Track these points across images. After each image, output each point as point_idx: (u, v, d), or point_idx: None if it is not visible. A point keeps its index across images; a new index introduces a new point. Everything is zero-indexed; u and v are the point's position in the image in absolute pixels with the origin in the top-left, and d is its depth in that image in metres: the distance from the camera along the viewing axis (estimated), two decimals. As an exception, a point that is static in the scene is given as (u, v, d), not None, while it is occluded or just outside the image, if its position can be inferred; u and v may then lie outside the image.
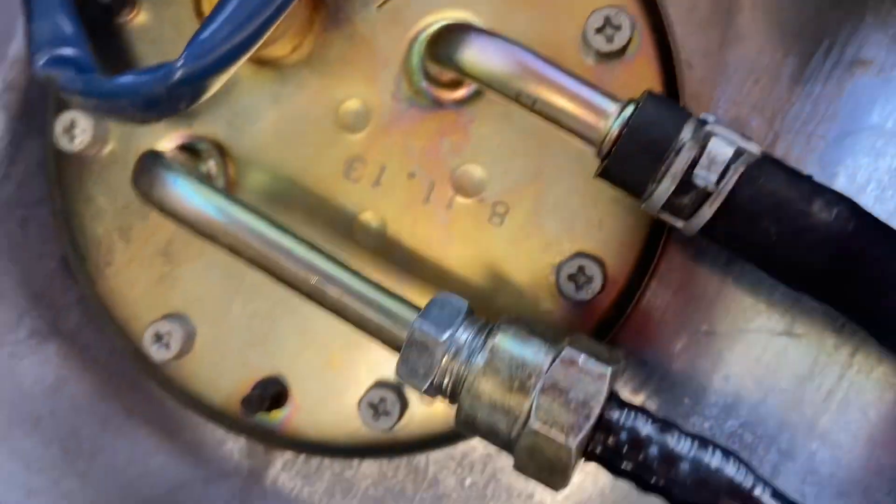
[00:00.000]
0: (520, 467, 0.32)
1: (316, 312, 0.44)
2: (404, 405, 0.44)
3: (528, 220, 0.43)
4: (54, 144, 0.45)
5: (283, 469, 0.48)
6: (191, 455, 0.49)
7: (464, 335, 0.34)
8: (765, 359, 0.42)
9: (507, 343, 0.33)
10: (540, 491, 0.46)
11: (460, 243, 0.43)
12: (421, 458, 0.47)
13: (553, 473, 0.31)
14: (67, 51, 0.35)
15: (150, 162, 0.38)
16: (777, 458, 0.41)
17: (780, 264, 0.33)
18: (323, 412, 0.45)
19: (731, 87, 0.43)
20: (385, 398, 0.43)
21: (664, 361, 0.44)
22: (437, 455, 0.47)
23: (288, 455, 0.48)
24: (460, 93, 0.43)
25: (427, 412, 0.44)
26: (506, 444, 0.33)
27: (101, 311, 0.47)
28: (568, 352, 0.32)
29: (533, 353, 0.32)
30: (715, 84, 0.44)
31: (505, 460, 0.47)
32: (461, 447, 0.47)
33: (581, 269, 0.41)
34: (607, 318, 0.43)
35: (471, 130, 0.43)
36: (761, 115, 0.43)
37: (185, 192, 0.37)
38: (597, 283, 0.41)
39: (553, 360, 0.32)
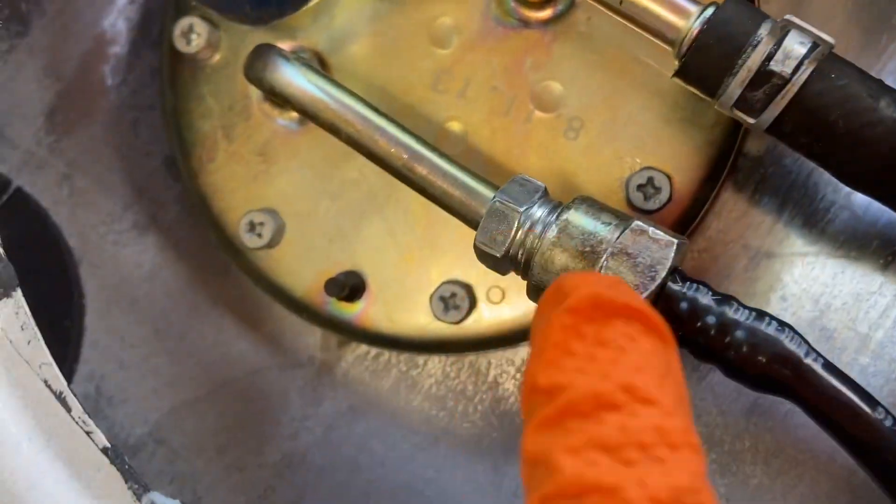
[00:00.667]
0: (585, 330, 0.35)
1: (396, 215, 0.48)
2: (473, 302, 0.47)
3: (601, 135, 0.45)
4: (172, 46, 0.50)
5: (353, 363, 0.52)
6: (269, 344, 0.53)
7: (539, 211, 0.37)
8: (822, 279, 0.44)
9: (579, 215, 0.36)
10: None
11: (536, 155, 0.46)
12: (482, 361, 0.50)
13: (617, 334, 0.34)
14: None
15: (264, 49, 0.42)
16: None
17: (844, 159, 0.35)
18: (396, 306, 0.48)
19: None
20: (455, 293, 0.47)
21: (723, 281, 0.46)
22: (497, 359, 0.50)
23: (359, 351, 0.52)
24: (546, 13, 0.46)
25: (493, 312, 0.47)
26: (574, 309, 0.35)
27: (201, 203, 0.51)
28: (637, 223, 0.34)
29: (604, 224, 0.35)
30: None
31: (562, 368, 0.49)
32: (521, 353, 0.50)
33: (650, 180, 0.44)
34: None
35: (553, 49, 0.46)
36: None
37: (294, 74, 0.41)
38: (664, 195, 0.44)
39: (623, 230, 0.34)
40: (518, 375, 0.50)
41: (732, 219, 0.47)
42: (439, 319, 0.47)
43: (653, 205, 0.44)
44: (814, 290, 0.44)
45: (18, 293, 0.36)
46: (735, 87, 0.35)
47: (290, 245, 0.50)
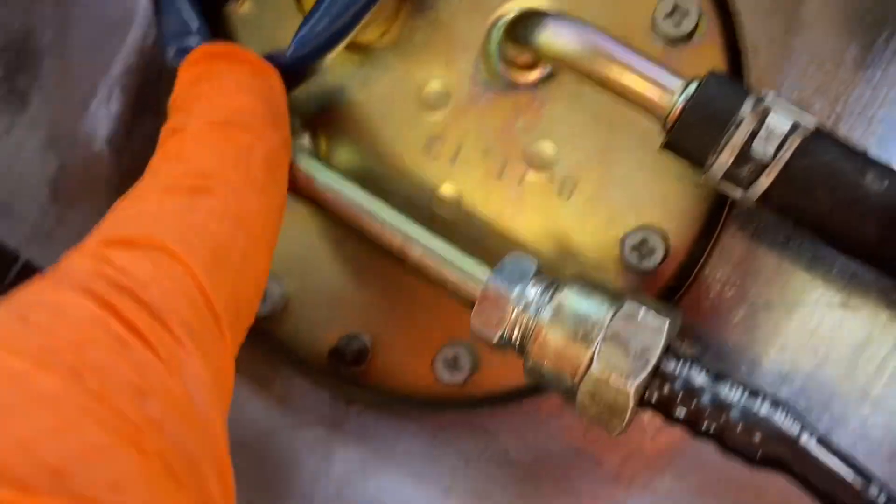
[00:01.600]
0: (582, 412, 0.36)
1: (398, 277, 0.49)
2: (476, 362, 0.48)
3: (595, 194, 0.46)
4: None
5: (361, 418, 0.53)
6: (279, 405, 0.54)
7: (532, 291, 0.37)
8: (820, 330, 0.44)
9: (572, 298, 0.36)
10: (599, 450, 0.49)
11: (530, 216, 0.47)
12: (486, 417, 0.51)
13: (612, 416, 0.35)
14: (194, 41, 0.40)
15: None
16: (830, 423, 0.43)
17: (834, 233, 0.35)
18: (400, 368, 0.49)
19: (795, 71, 0.45)
20: (458, 355, 0.47)
21: (722, 332, 0.46)
22: (501, 413, 0.51)
23: (366, 408, 0.53)
24: (534, 75, 0.46)
25: (497, 369, 0.48)
26: (569, 390, 0.36)
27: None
28: (628, 306, 0.35)
29: (596, 307, 0.36)
30: (779, 68, 0.46)
31: (564, 420, 0.50)
32: (524, 406, 0.50)
33: (644, 240, 0.44)
34: (668, 289, 0.45)
35: (543, 111, 0.46)
36: (824, 98, 0.45)
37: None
38: (659, 254, 0.44)
39: (615, 314, 0.35)
40: (522, 430, 0.50)
41: (730, 268, 0.47)
42: (443, 382, 0.48)
43: (648, 264, 0.44)
44: (813, 341, 0.44)
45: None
46: (721, 163, 0.35)
47: (293, 313, 0.50)
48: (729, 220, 0.46)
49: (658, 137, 0.43)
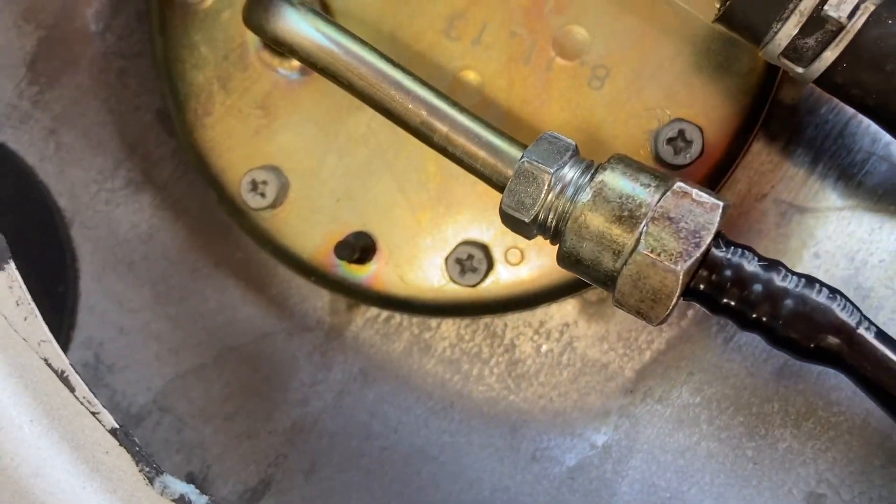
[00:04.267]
0: (620, 300, 0.33)
1: (408, 171, 0.46)
2: (490, 264, 0.45)
3: (629, 84, 0.42)
4: (161, -10, 0.46)
5: (363, 327, 0.50)
6: (276, 308, 0.51)
7: (571, 172, 0.34)
8: (858, 234, 0.42)
9: (616, 176, 0.33)
10: (616, 360, 0.47)
11: (558, 106, 0.43)
12: (499, 323, 0.48)
13: (656, 303, 0.32)
14: None
15: (265, -6, 0.39)
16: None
17: (901, 113, 0.32)
18: (409, 268, 0.46)
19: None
20: (472, 255, 0.44)
21: (755, 237, 0.44)
22: (515, 321, 0.48)
23: (369, 314, 0.50)
24: (569, -50, 0.42)
25: (511, 274, 0.45)
26: (608, 277, 0.33)
27: (198, 161, 0.48)
28: (681, 185, 0.32)
29: (643, 185, 0.33)
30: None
31: (582, 329, 0.47)
32: (539, 314, 0.48)
33: (681, 132, 0.41)
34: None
35: (576, -9, 0.43)
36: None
37: (300, 21, 0.37)
38: (696, 149, 0.41)
39: (665, 192, 0.32)
40: (535, 337, 0.48)
41: (764, 172, 0.44)
42: (455, 282, 0.45)
43: (683, 159, 0.41)
44: (849, 247, 0.42)
45: (11, 266, 0.33)
46: (785, 33, 0.32)
47: (294, 205, 0.47)
48: (767, 120, 0.43)
49: (698, 24, 0.40)
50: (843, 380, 0.41)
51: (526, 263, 0.45)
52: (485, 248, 0.45)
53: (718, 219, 0.31)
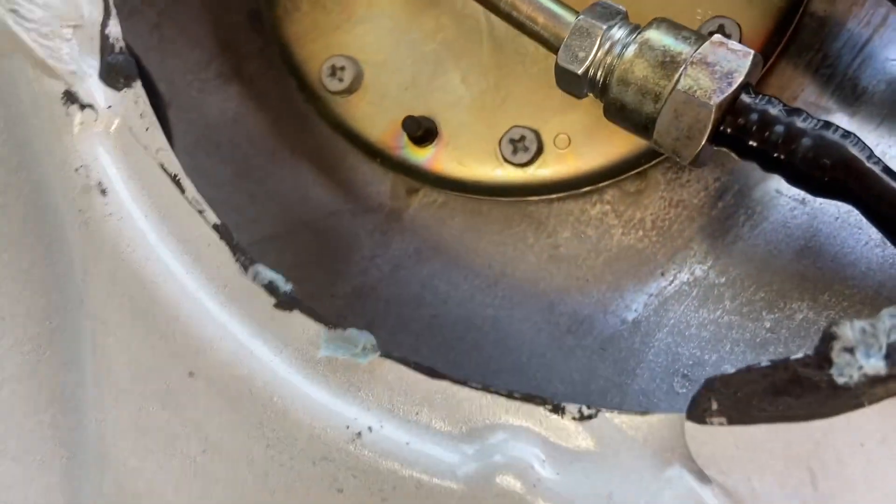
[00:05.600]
0: (658, 139, 0.38)
1: (470, 64, 0.51)
2: (540, 146, 0.50)
3: (676, -15, 0.47)
4: None
5: (420, 210, 0.55)
6: (343, 190, 0.56)
7: (619, 32, 0.39)
8: (877, 131, 0.46)
9: (660, 32, 0.38)
10: (650, 247, 0.51)
11: (610, 4, 0.48)
12: (543, 211, 0.53)
13: (690, 140, 0.37)
14: None
15: None
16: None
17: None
18: (467, 151, 0.51)
19: None
20: (524, 136, 0.49)
21: (781, 134, 0.48)
22: (558, 209, 0.53)
23: (426, 199, 0.55)
24: None
25: (558, 158, 0.50)
26: (649, 119, 0.38)
27: (284, 52, 0.54)
28: (718, 36, 0.37)
29: (683, 38, 0.37)
30: None
31: (619, 218, 0.52)
32: (580, 203, 0.53)
33: (721, 27, 0.46)
34: (734, 87, 0.47)
35: None
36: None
37: None
38: (734, 41, 0.46)
39: (703, 43, 0.37)
40: (576, 225, 0.53)
41: (795, 75, 0.49)
42: (507, 161, 0.50)
43: (720, 52, 0.46)
44: (869, 139, 0.46)
45: (138, 85, 0.39)
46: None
47: (367, 91, 0.53)
48: (799, 28, 0.48)
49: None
50: (857, 257, 0.45)
51: (573, 149, 0.50)
52: (535, 132, 0.50)
53: (749, 63, 0.36)
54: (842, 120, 0.47)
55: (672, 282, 0.50)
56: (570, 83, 0.41)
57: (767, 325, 0.47)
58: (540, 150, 0.50)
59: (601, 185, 0.51)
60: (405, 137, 0.51)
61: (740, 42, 0.46)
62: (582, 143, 0.50)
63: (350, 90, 0.52)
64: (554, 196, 0.52)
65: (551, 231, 0.53)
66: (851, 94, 0.48)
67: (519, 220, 0.54)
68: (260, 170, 0.57)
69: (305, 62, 0.54)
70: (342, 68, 0.52)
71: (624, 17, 0.40)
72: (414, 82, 0.52)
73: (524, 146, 0.49)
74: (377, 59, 0.52)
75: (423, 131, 0.50)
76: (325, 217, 0.56)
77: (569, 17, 0.40)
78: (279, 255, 0.55)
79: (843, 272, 0.46)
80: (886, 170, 0.35)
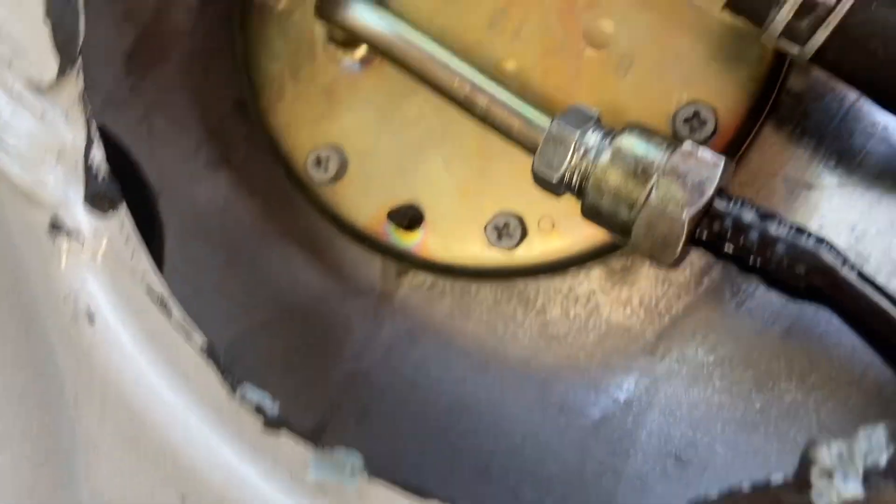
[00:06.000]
0: (635, 245, 0.38)
1: (453, 149, 0.52)
2: (524, 231, 0.50)
3: (651, 71, 0.48)
4: (242, -7, 0.53)
5: (410, 291, 0.56)
6: (333, 273, 0.57)
7: (593, 137, 0.40)
8: (858, 207, 0.46)
9: (631, 140, 0.39)
10: (638, 324, 0.52)
11: (587, 91, 0.49)
12: (531, 289, 0.54)
13: (666, 248, 0.37)
14: None
15: (335, -10, 0.45)
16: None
17: (885, 87, 0.37)
18: (452, 236, 0.52)
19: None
20: (508, 223, 0.50)
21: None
22: (546, 287, 0.53)
23: (416, 280, 0.56)
24: (599, -46, 0.48)
25: (543, 241, 0.50)
26: (625, 226, 0.38)
27: (270, 141, 0.55)
28: (688, 145, 0.37)
29: (655, 147, 0.38)
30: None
31: (607, 295, 0.52)
32: (568, 281, 0.53)
33: (696, 113, 0.46)
34: (714, 167, 0.48)
35: (605, -11, 0.48)
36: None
37: (365, 11, 0.44)
38: (709, 127, 0.46)
39: (674, 151, 0.37)
40: (564, 302, 0.53)
41: (773, 152, 0.49)
42: (493, 247, 0.50)
43: (698, 137, 0.46)
44: (850, 219, 0.47)
45: (123, 208, 0.40)
46: (782, 17, 0.37)
47: (353, 179, 0.53)
48: (776, 105, 0.48)
49: (712, 20, 0.46)
50: (844, 338, 0.45)
51: (557, 232, 0.50)
52: (519, 217, 0.50)
53: (720, 172, 0.36)
54: (829, 191, 0.48)
55: (662, 360, 0.51)
56: (547, 186, 0.41)
57: (757, 405, 0.47)
58: (524, 235, 0.50)
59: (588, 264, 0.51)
60: (392, 225, 0.52)
61: (716, 125, 0.46)
62: (566, 226, 0.50)
63: (336, 179, 0.53)
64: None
65: (540, 309, 0.54)
66: (834, 167, 0.48)
67: (508, 299, 0.54)
68: (250, 255, 0.57)
69: (291, 152, 0.54)
70: (327, 158, 0.53)
71: (597, 122, 0.40)
72: (399, 169, 0.52)
73: (508, 232, 0.50)
74: (361, 147, 0.53)
75: (409, 220, 0.51)
76: (317, 301, 0.56)
77: (543, 122, 0.41)
78: (272, 341, 0.56)
79: (829, 353, 0.46)
80: (861, 276, 0.35)
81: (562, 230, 0.50)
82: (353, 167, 0.53)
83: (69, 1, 0.38)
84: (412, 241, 0.53)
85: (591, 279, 0.53)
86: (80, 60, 0.39)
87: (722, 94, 0.47)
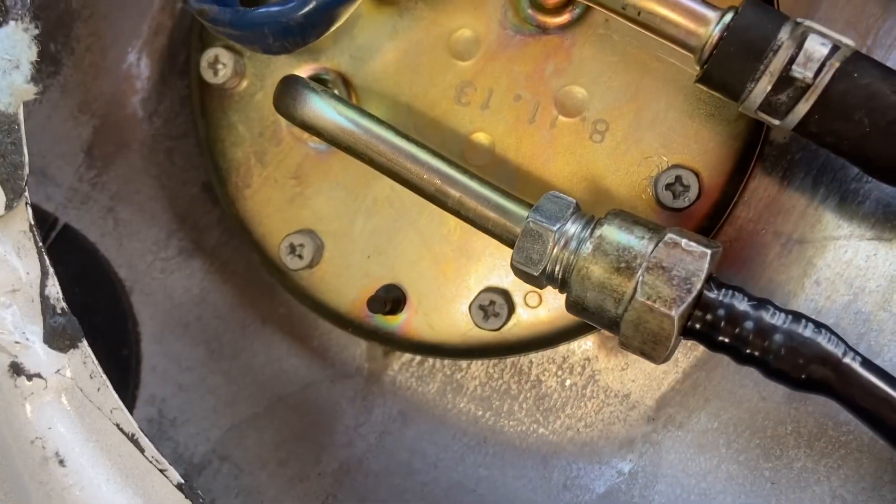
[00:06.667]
0: (625, 342, 0.36)
1: (430, 226, 0.50)
2: (511, 308, 0.48)
3: (627, 136, 0.46)
4: (199, 78, 0.51)
5: (399, 371, 0.54)
6: (318, 358, 0.55)
7: (573, 227, 0.38)
8: (855, 262, 0.44)
9: (613, 230, 0.37)
10: (637, 391, 0.50)
11: (563, 160, 0.47)
12: (524, 361, 0.52)
13: (657, 345, 0.35)
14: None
15: (291, 82, 0.43)
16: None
17: (871, 156, 0.35)
18: (437, 316, 0.50)
19: (825, 4, 0.45)
20: (494, 301, 0.48)
21: (756, 269, 0.47)
22: (539, 358, 0.52)
23: (404, 358, 0.54)
24: (563, 18, 0.46)
25: (531, 316, 0.48)
26: (612, 322, 0.36)
27: (241, 228, 0.53)
28: (671, 236, 0.35)
29: (638, 238, 0.36)
30: (810, 2, 0.45)
31: (603, 363, 0.50)
32: (562, 351, 0.51)
33: (678, 178, 0.44)
34: (702, 228, 0.46)
35: (573, 54, 0.46)
36: (854, 31, 0.45)
37: (323, 107, 0.42)
38: (693, 192, 0.44)
39: (657, 243, 0.35)
40: (559, 373, 0.51)
41: (762, 207, 0.47)
42: (480, 328, 0.48)
43: (682, 202, 0.44)
44: (847, 274, 0.45)
45: (84, 344, 0.38)
46: (759, 91, 0.35)
47: (329, 263, 0.51)
48: (761, 159, 0.46)
49: (688, 76, 0.44)
50: (851, 400, 0.43)
51: (544, 306, 0.48)
52: (505, 294, 0.48)
53: (707, 265, 0.34)
54: (822, 245, 0.46)
55: (664, 426, 0.49)
56: (529, 279, 0.39)
57: (767, 474, 0.45)
58: (511, 312, 0.48)
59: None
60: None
61: (700, 190, 0.44)
62: (553, 300, 0.48)
63: (312, 265, 0.51)
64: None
65: (535, 382, 0.52)
66: (826, 218, 0.46)
67: (501, 373, 0.52)
68: (232, 346, 0.55)
69: (263, 239, 0.52)
70: (301, 245, 0.51)
71: (575, 210, 0.39)
72: (375, 250, 0.51)
73: (494, 311, 0.48)
74: (335, 230, 0.51)
75: (390, 305, 0.49)
76: (304, 389, 0.54)
77: (520, 213, 0.39)
78: (260, 435, 0.54)
79: (836, 416, 0.44)
80: (865, 363, 0.34)
81: (550, 304, 0.48)
82: (329, 251, 0.51)
83: (10, 133, 0.36)
84: (396, 323, 0.51)
85: (586, 348, 0.51)
86: (26, 192, 0.37)
87: (704, 155, 0.45)
